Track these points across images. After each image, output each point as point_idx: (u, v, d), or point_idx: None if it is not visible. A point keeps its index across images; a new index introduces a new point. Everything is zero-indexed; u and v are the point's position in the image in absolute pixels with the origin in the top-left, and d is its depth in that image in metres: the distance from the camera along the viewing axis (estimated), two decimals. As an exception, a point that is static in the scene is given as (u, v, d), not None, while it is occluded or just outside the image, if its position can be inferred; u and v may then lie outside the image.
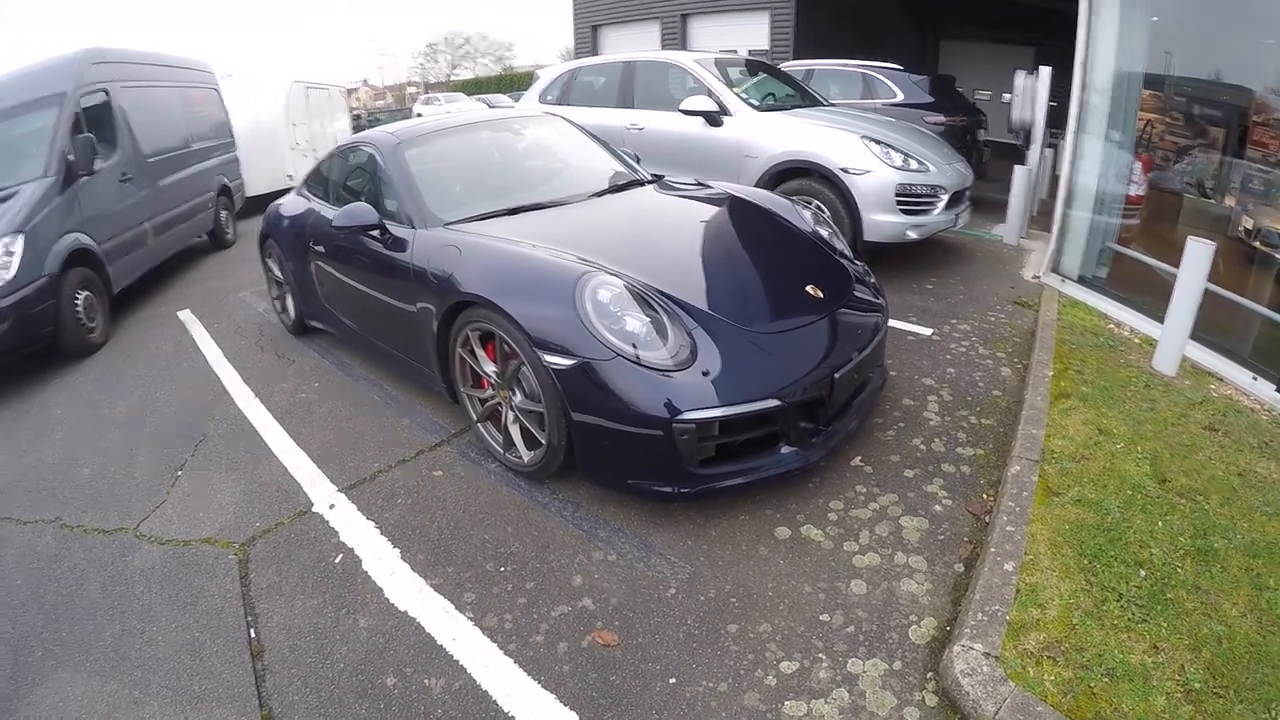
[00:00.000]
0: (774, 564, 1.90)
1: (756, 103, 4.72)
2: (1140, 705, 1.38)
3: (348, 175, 3.51)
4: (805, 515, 2.10)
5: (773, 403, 1.89)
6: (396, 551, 2.08)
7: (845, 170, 3.94)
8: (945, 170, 4.16)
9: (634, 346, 1.85)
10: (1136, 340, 3.32)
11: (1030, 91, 4.70)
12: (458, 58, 43.27)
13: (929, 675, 1.53)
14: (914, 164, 3.99)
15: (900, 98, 6.53)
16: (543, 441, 2.16)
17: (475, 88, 30.82)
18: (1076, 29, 3.68)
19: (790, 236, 2.73)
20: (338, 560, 2.06)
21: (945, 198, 4.09)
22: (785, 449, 1.98)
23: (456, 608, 1.83)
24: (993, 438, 2.48)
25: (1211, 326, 3.11)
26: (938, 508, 2.11)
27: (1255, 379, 2.74)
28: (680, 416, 1.79)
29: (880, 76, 6.77)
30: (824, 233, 2.84)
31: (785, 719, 1.45)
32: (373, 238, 2.76)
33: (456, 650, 1.67)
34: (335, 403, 3.14)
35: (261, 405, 3.19)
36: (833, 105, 5.28)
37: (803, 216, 2.92)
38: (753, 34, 12.16)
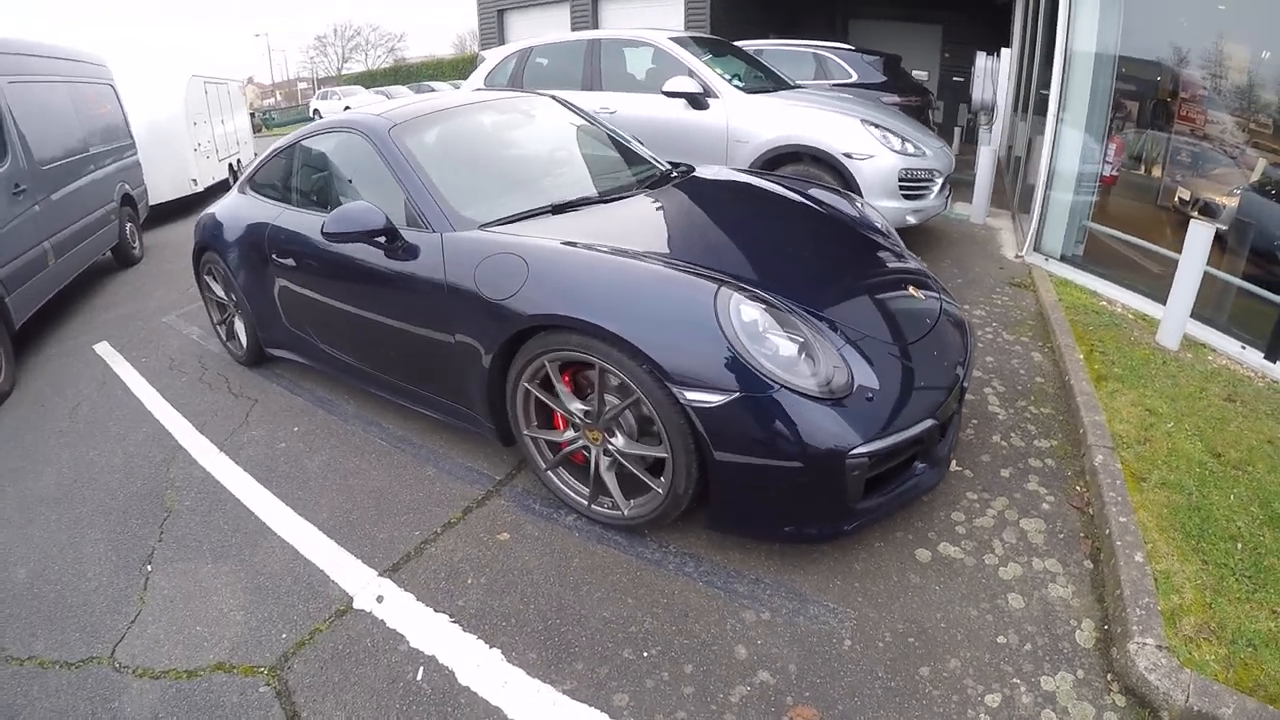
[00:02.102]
0: (931, 591, 1.84)
1: (741, 84, 4.62)
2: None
3: (318, 170, 3.01)
4: (935, 533, 2.05)
5: (930, 422, 1.80)
6: (496, 652, 1.71)
7: (849, 155, 3.95)
8: (939, 153, 4.26)
9: (790, 374, 1.66)
10: (1131, 316, 3.57)
11: (990, 73, 5.22)
12: (349, 50, 43.09)
13: (1109, 677, 1.59)
14: (911, 148, 4.03)
15: (855, 78, 6.62)
16: (658, 490, 1.90)
17: (370, 80, 30.12)
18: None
19: (859, 231, 2.59)
20: (419, 676, 1.66)
21: (940, 181, 4.20)
22: (919, 466, 1.90)
23: (612, 717, 1.54)
24: (1058, 427, 2.58)
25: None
26: (1045, 505, 2.17)
27: (1244, 348, 3.03)
28: (854, 450, 1.63)
29: (833, 56, 6.82)
30: (878, 223, 2.75)
31: None
32: (378, 245, 2.31)
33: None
34: (330, 452, 2.68)
35: (231, 462, 2.68)
36: (801, 87, 5.20)
37: (856, 207, 2.81)
38: (667, 16, 12.25)
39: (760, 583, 1.90)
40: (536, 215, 2.35)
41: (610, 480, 2.04)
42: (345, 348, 2.82)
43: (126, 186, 6.30)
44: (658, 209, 2.53)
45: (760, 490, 1.74)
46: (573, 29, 13.95)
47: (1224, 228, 3.74)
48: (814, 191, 2.90)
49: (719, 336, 1.67)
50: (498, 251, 2.08)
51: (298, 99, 33.36)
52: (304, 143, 3.08)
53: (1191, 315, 3.19)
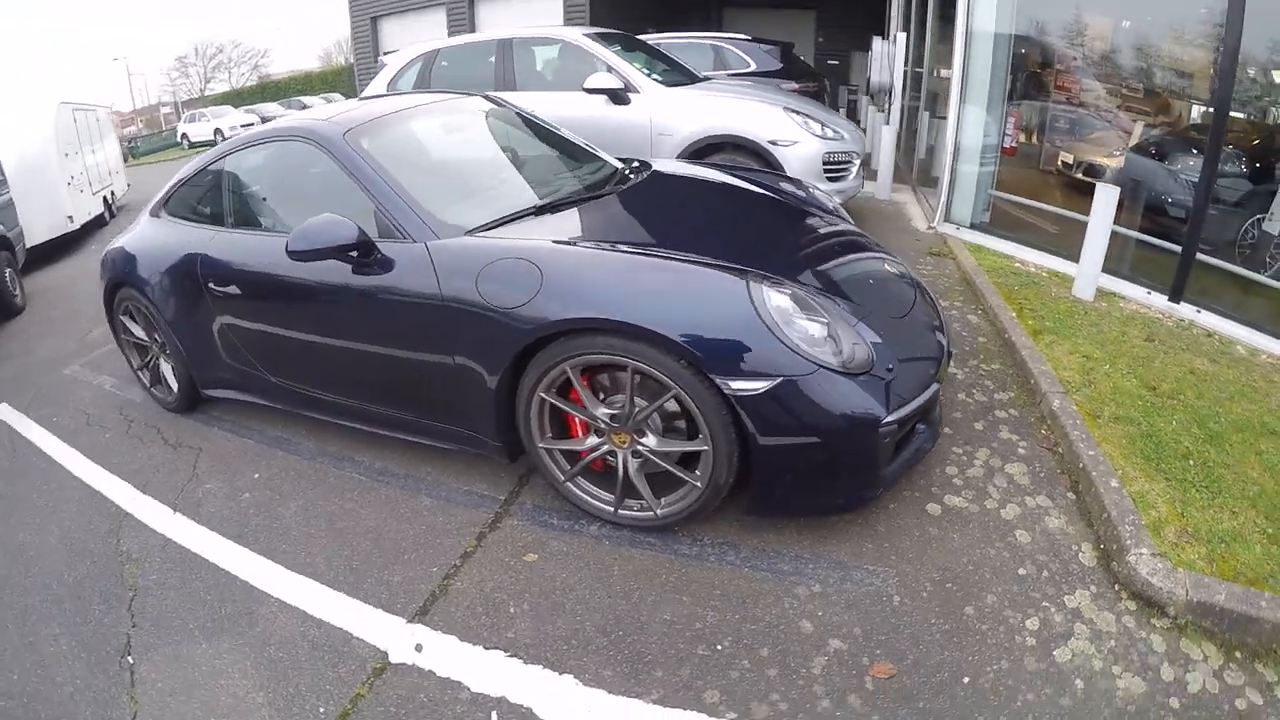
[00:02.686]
0: (950, 540, 2.01)
1: (658, 78, 4.72)
2: (1249, 554, 1.86)
3: (257, 186, 2.79)
4: (937, 488, 2.23)
5: (935, 386, 1.97)
6: (569, 679, 1.66)
7: (774, 142, 4.13)
8: (854, 135, 4.54)
9: (823, 354, 1.76)
10: (1045, 274, 4.00)
11: (887, 56, 5.70)
12: (211, 70, 41.67)
13: (1116, 588, 1.83)
14: (830, 132, 4.26)
15: (753, 66, 6.93)
16: (695, 484, 1.92)
17: (237, 99, 29.41)
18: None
19: (820, 214, 2.73)
20: None
21: (858, 162, 4.52)
22: (921, 429, 2.04)
23: (712, 716, 1.55)
24: (1011, 379, 2.87)
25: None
26: (1020, 450, 2.42)
27: (1149, 293, 3.49)
28: (886, 420, 1.76)
29: (730, 47, 7.09)
30: (829, 205, 2.91)
31: (1061, 665, 1.63)
32: (351, 260, 2.16)
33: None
34: (304, 496, 2.50)
35: (192, 522, 2.42)
36: (710, 79, 5.40)
37: (807, 191, 2.96)
38: (546, 13, 12.30)
39: (801, 559, 1.98)
40: (522, 217, 2.28)
41: (641, 482, 2.03)
42: (306, 379, 2.61)
43: (1, 228, 5.80)
44: (638, 205, 2.54)
45: (804, 468, 1.83)
46: (449, 32, 13.85)
47: (1052, 172, 4.35)
48: (765, 179, 3.02)
49: (758, 325, 1.73)
50: (501, 257, 2.00)
51: (161, 124, 31.73)
52: (232, 157, 2.84)
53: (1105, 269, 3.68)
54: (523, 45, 5.01)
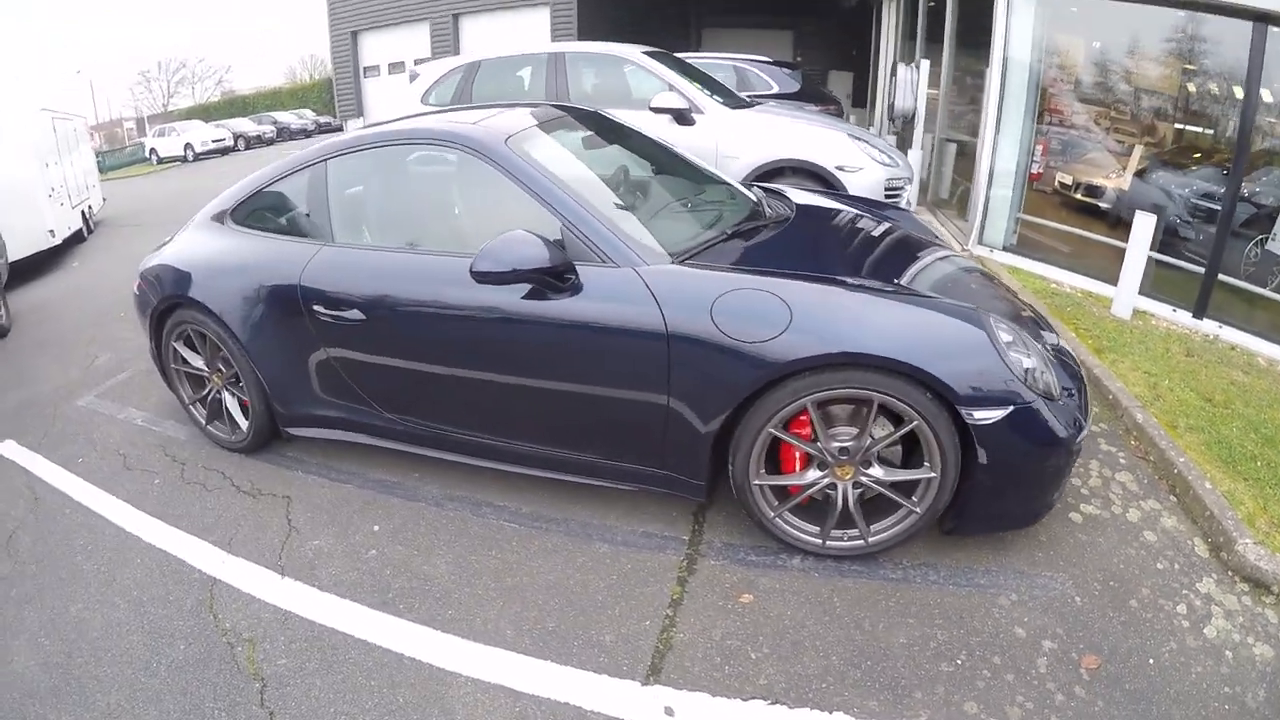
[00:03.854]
0: (1099, 544, 2.35)
1: (720, 100, 4.95)
2: None
3: (377, 196, 2.68)
4: (1072, 498, 2.56)
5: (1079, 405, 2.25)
6: (840, 715, 1.77)
7: (841, 169, 4.44)
8: (905, 162, 4.94)
9: (1035, 382, 1.97)
10: (1079, 294, 4.55)
11: (911, 82, 6.27)
12: (174, 85, 42.76)
13: (1230, 574, 2.22)
14: (887, 159, 4.64)
15: (775, 88, 7.43)
16: (915, 510, 2.07)
17: (203, 114, 29.45)
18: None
19: (939, 244, 2.94)
20: None
21: (909, 188, 5.07)
22: None
23: (981, 713, 1.73)
24: (1091, 396, 3.62)
25: (1106, 270, 4.70)
26: (1121, 460, 2.81)
27: (1175, 310, 4.08)
28: (1077, 439, 2.03)
29: (752, 68, 7.53)
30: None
31: (1212, 641, 1.98)
32: (548, 285, 2.09)
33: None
34: (451, 550, 2.37)
35: (312, 588, 2.22)
36: (755, 100, 5.71)
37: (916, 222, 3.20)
38: (532, 29, 12.68)
39: (991, 572, 2.21)
40: (719, 243, 2.33)
41: (858, 512, 2.15)
42: (443, 417, 2.53)
43: None
44: (812, 234, 2.67)
45: (1013, 488, 2.07)
46: (433, 48, 14.70)
47: (1107, 207, 5.06)
48: (882, 210, 3.25)
49: (995, 358, 1.92)
50: (736, 288, 2.02)
51: (123, 139, 31.55)
52: (337, 162, 2.66)
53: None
54: (576, 60, 5.14)
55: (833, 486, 2.15)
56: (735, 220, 2.60)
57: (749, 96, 7.00)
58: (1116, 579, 2.25)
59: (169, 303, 2.92)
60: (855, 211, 3.05)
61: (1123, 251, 4.15)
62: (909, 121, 6.46)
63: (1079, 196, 5.27)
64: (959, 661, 1.94)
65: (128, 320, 4.89)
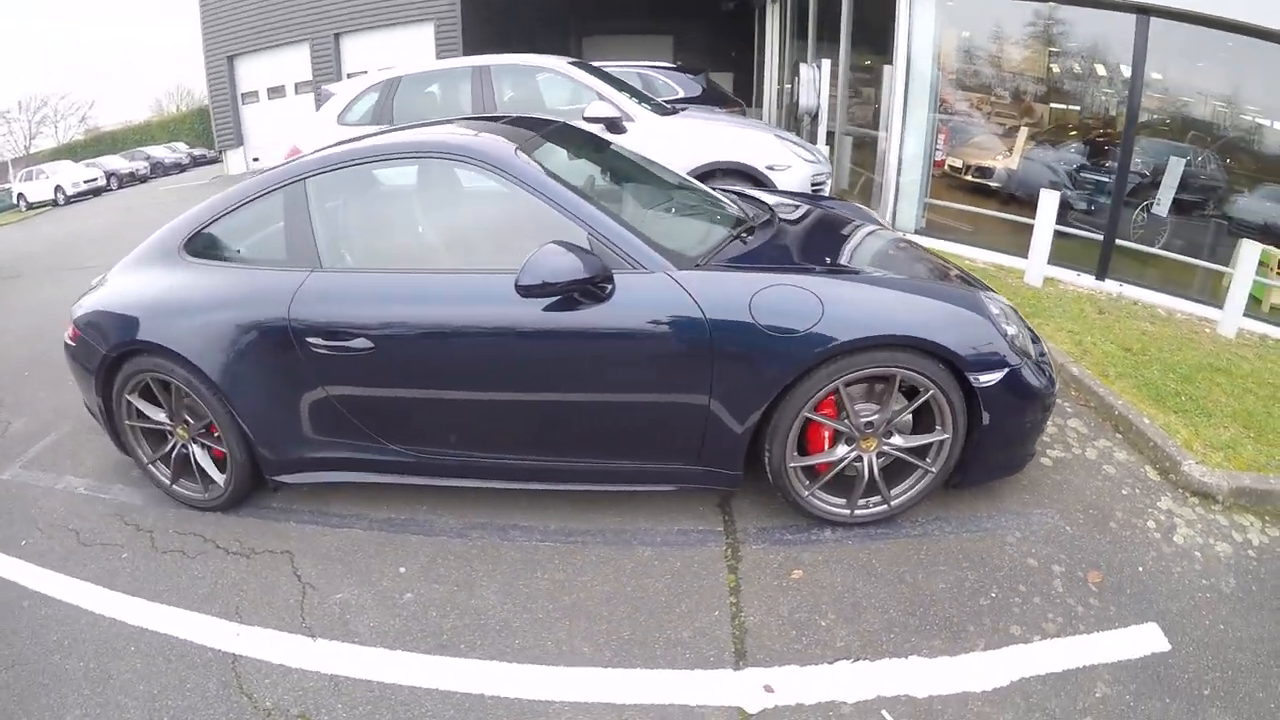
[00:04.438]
0: (1071, 481, 2.74)
1: (649, 107, 5.13)
2: (1247, 454, 2.82)
3: (371, 215, 2.67)
4: (1038, 446, 2.84)
5: None
6: (915, 659, 2.00)
7: (771, 168, 4.75)
8: (823, 158, 5.46)
9: (1020, 345, 2.31)
10: (993, 268, 5.22)
11: (814, 81, 6.77)
12: (36, 124, 40.98)
13: (1180, 490, 2.70)
14: (810, 155, 5.07)
15: (681, 93, 7.70)
16: (931, 470, 2.35)
17: (70, 153, 28.73)
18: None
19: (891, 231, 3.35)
20: (889, 717, 1.83)
21: (829, 181, 5.66)
22: None
23: (1023, 643, 2.05)
24: None
25: (1009, 243, 5.52)
26: (1069, 409, 3.27)
27: (1079, 274, 4.84)
28: (1053, 392, 2.40)
29: (659, 75, 7.82)
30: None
31: (1181, 546, 2.39)
32: (592, 293, 2.17)
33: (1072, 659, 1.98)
34: (493, 580, 2.36)
35: (353, 645, 2.12)
36: (677, 106, 5.93)
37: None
38: (415, 46, 12.64)
39: (994, 517, 2.55)
40: (725, 245, 2.50)
41: (881, 480, 2.39)
42: (463, 444, 2.50)
43: None
44: (801, 232, 2.88)
45: (1005, 440, 2.39)
46: (314, 69, 14.60)
47: (999, 186, 5.75)
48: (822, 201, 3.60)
49: (991, 328, 2.24)
50: (768, 285, 2.19)
51: None
52: (316, 181, 2.56)
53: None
54: (502, 73, 5.15)
55: (859, 459, 2.38)
56: (728, 223, 2.77)
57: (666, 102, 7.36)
58: (1093, 507, 2.65)
59: (120, 350, 2.65)
60: (819, 208, 3.35)
61: (1023, 226, 4.74)
62: (813, 119, 6.98)
63: (974, 179, 5.92)
64: (993, 595, 2.24)
65: (35, 379, 4.48)
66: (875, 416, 2.34)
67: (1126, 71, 4.62)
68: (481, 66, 5.26)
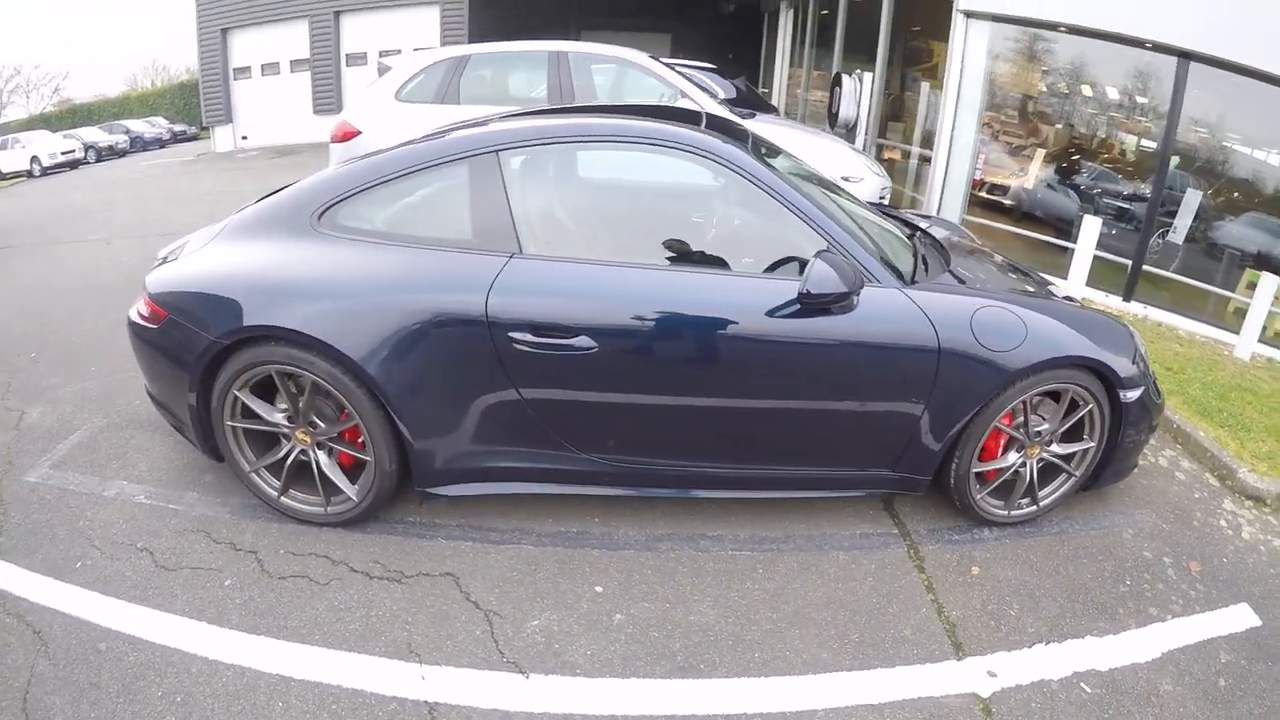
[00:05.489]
0: (1154, 485, 3.34)
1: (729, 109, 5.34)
2: None
3: (589, 199, 2.76)
4: None
5: None
6: (1089, 638, 2.43)
7: (847, 179, 5.06)
8: (884, 171, 5.91)
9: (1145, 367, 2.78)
10: None
11: (855, 93, 7.28)
12: (8, 94, 42.56)
13: (1237, 494, 3.31)
14: (876, 168, 5.57)
15: (721, 95, 8.34)
16: (1075, 474, 2.84)
17: (44, 124, 29.41)
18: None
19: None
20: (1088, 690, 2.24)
21: (887, 196, 6.09)
22: None
23: (1158, 621, 2.53)
24: None
25: (1043, 263, 6.28)
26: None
27: (1107, 295, 5.69)
28: (1164, 407, 3.06)
29: (699, 76, 8.39)
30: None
31: (1249, 540, 2.98)
32: (845, 304, 2.36)
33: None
34: (703, 594, 2.43)
35: (584, 679, 2.07)
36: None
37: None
38: (420, 29, 12.65)
39: (1108, 517, 3.12)
40: (924, 262, 2.85)
41: (1035, 484, 2.86)
42: (678, 452, 2.62)
43: None
44: (964, 254, 3.23)
45: (1134, 448, 2.94)
46: (312, 47, 14.86)
47: (1010, 203, 6.54)
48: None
49: (1135, 350, 2.75)
50: (983, 306, 2.53)
51: None
52: (523, 155, 2.53)
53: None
54: (581, 60, 5.29)
55: (1023, 465, 2.88)
56: (905, 238, 3.07)
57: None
58: (1177, 508, 3.27)
59: (238, 337, 2.37)
60: (936, 226, 3.78)
61: (1053, 245, 5.48)
62: (850, 130, 7.54)
63: (1002, 199, 6.67)
64: (1128, 582, 2.78)
65: (45, 362, 4.17)
66: (1045, 426, 2.81)
67: (1163, 107, 5.37)
68: (559, 52, 5.37)
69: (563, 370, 2.38)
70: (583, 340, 2.33)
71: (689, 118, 2.98)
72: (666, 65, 5.72)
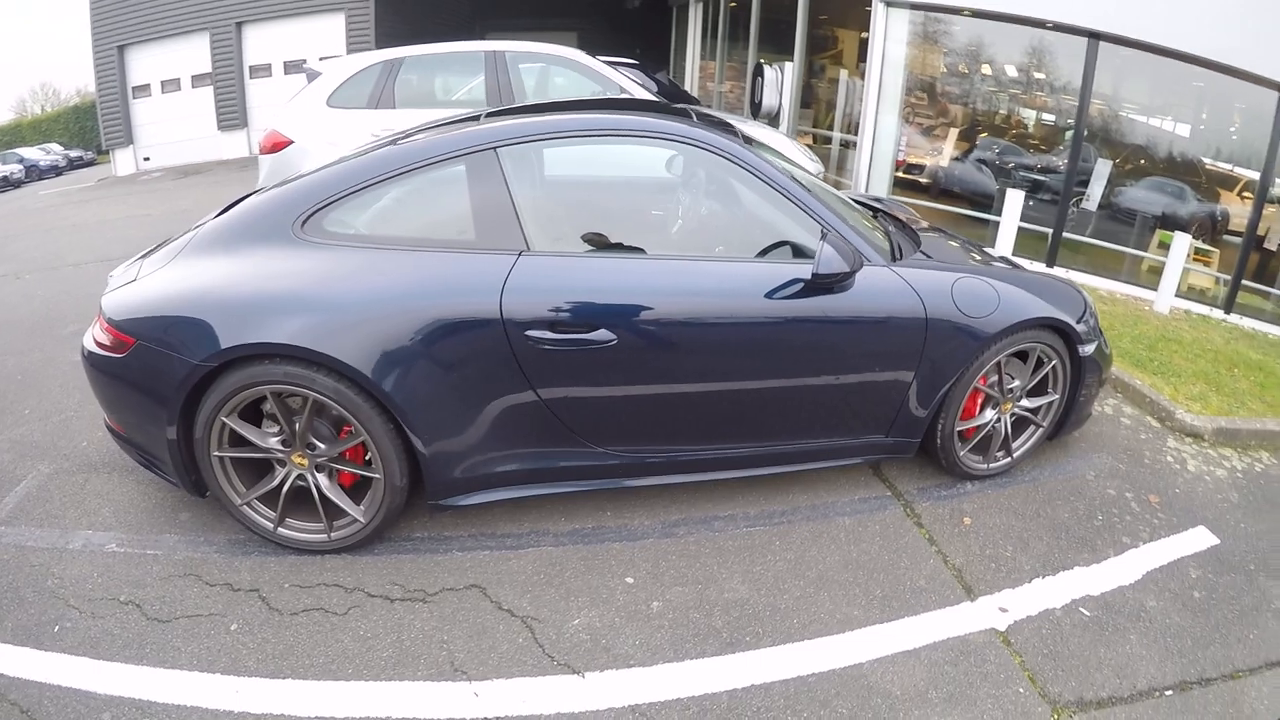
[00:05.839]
0: (1103, 430, 3.69)
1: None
2: (1216, 402, 3.96)
3: (588, 192, 2.82)
4: None
5: None
6: (1077, 569, 2.69)
7: None
8: (817, 159, 6.55)
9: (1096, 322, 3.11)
10: None
11: (777, 82, 7.55)
12: None
13: (1177, 433, 3.73)
14: (812, 156, 5.97)
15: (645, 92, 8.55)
16: (1041, 425, 3.11)
17: None
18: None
19: None
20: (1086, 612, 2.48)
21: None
22: None
23: (1132, 548, 2.82)
24: None
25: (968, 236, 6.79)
26: None
27: (1032, 261, 6.50)
28: (1112, 359, 3.48)
29: (624, 71, 8.55)
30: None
31: (1195, 472, 3.38)
32: (846, 283, 2.51)
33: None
34: (728, 572, 2.53)
35: (639, 669, 2.09)
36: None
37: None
38: (324, 37, 12.45)
39: (1071, 462, 3.42)
40: (899, 240, 3.03)
41: (1010, 437, 3.12)
42: (689, 438, 2.68)
43: None
44: (923, 230, 3.45)
45: (1089, 398, 3.23)
46: (214, 61, 14.66)
47: (926, 181, 6.99)
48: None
49: (1087, 309, 3.04)
50: (959, 278, 2.77)
51: None
52: (525, 150, 2.54)
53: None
54: (519, 59, 5.28)
55: (999, 420, 3.13)
56: (871, 219, 3.24)
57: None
58: (1128, 450, 3.63)
59: (226, 359, 2.21)
60: (886, 207, 3.96)
61: (978, 220, 5.90)
62: (773, 119, 7.84)
63: (924, 180, 7.10)
64: (1100, 518, 3.07)
65: None
66: (1016, 383, 3.07)
67: (1075, 84, 5.87)
68: (496, 52, 5.33)
69: (581, 365, 2.38)
70: (601, 334, 2.34)
71: (679, 112, 3.06)
72: (604, 62, 5.79)
